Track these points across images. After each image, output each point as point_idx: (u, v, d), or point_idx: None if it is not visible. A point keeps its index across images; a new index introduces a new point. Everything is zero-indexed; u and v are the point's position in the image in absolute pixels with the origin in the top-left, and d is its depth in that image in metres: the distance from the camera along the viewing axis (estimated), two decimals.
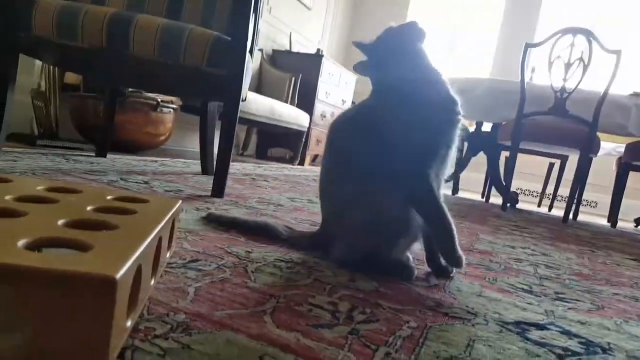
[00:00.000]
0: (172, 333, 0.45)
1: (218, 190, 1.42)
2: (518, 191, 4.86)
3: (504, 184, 2.84)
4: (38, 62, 2.30)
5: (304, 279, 0.70)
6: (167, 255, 0.63)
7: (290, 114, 3.62)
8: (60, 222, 0.46)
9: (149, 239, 0.45)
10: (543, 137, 2.62)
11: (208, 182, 1.74)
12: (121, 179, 1.46)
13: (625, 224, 3.45)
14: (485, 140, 3.20)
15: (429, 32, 0.89)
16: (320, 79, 4.13)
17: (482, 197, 3.69)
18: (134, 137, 2.57)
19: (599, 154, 2.68)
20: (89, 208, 0.54)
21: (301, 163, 4.16)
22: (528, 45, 2.60)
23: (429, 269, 0.88)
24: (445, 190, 0.86)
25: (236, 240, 0.88)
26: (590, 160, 2.73)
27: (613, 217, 3.03)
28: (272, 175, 2.56)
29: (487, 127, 3.29)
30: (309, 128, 4.06)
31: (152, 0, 1.70)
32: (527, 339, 0.59)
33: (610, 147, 3.27)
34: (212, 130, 2.09)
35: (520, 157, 2.89)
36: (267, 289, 0.63)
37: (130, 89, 2.48)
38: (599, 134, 2.56)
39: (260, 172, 2.63)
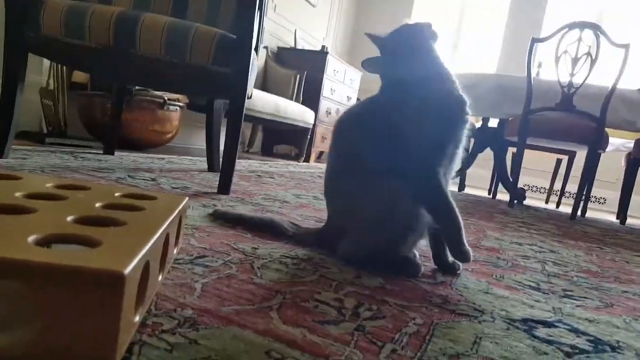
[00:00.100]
0: (179, 328, 0.45)
1: (224, 187, 1.43)
2: (525, 187, 4.84)
3: (511, 180, 2.82)
4: (46, 61, 2.32)
5: (310, 276, 0.70)
6: (175, 251, 0.64)
7: (295, 111, 3.62)
8: (69, 218, 0.46)
9: (156, 236, 0.45)
10: (550, 133, 2.60)
11: (214, 179, 1.74)
12: (129, 176, 1.47)
13: (634, 220, 3.43)
14: (491, 136, 3.18)
15: (434, 26, 0.89)
16: (325, 76, 4.13)
17: (489, 193, 3.67)
18: (141, 134, 2.59)
19: (607, 149, 2.65)
20: (97, 205, 0.54)
21: (306, 160, 4.16)
22: (535, 40, 2.58)
23: (435, 266, 0.88)
24: (451, 187, 0.86)
25: (242, 237, 0.88)
26: (599, 156, 2.71)
27: (622, 213, 3.00)
28: (278, 172, 2.57)
29: (493, 123, 3.27)
30: (314, 125, 4.06)
31: None
32: (535, 336, 0.59)
33: (619, 143, 3.24)
34: (218, 127, 2.09)
35: (528, 153, 2.88)
36: (273, 285, 0.63)
37: (137, 87, 2.49)
38: (607, 129, 2.54)
39: (266, 169, 2.64)
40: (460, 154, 0.84)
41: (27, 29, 1.41)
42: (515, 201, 2.87)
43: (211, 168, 2.07)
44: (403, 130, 0.79)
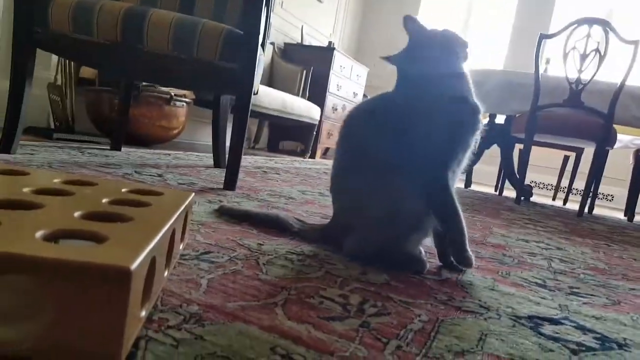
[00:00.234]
0: (185, 324, 0.46)
1: (230, 183, 1.43)
2: (532, 184, 4.82)
3: (518, 177, 2.81)
4: (54, 57, 2.33)
5: (315, 272, 0.70)
6: (181, 247, 0.64)
7: (301, 107, 3.62)
8: (77, 214, 0.47)
9: (163, 231, 0.45)
10: (558, 129, 2.58)
11: (220, 175, 1.75)
12: (135, 171, 1.48)
13: None
14: (498, 132, 3.16)
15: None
16: (331, 72, 4.12)
17: (496, 190, 3.66)
18: (148, 130, 2.60)
19: (615, 146, 2.63)
20: (104, 200, 0.55)
21: (312, 156, 4.16)
22: (543, 36, 2.56)
23: (440, 263, 0.88)
24: (458, 184, 0.85)
25: (248, 233, 0.88)
26: (607, 152, 2.69)
27: (630, 210, 2.98)
28: (284, 168, 2.57)
29: (500, 119, 3.25)
30: (320, 121, 4.06)
31: None
32: (541, 333, 0.59)
33: (627, 140, 3.20)
34: (225, 123, 2.10)
35: (535, 149, 2.86)
36: (279, 281, 0.63)
37: (144, 83, 2.50)
38: (615, 126, 2.51)
39: (272, 165, 2.64)
40: (467, 157, 0.85)
41: (35, 25, 1.42)
42: (522, 198, 2.85)
43: (217, 164, 2.08)
44: (417, 129, 0.79)
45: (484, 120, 3.28)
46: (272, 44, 4.07)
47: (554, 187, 4.26)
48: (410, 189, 0.79)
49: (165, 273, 0.52)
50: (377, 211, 0.80)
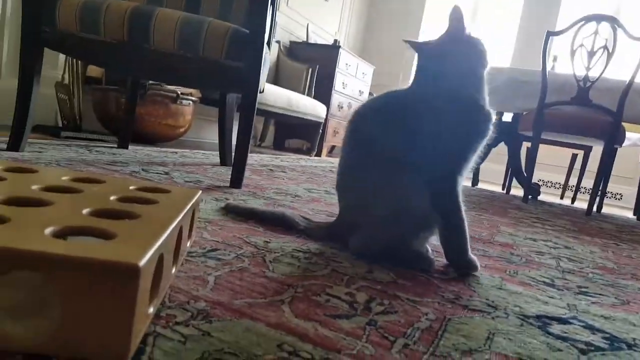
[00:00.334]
0: (192, 320, 0.46)
1: (236, 181, 1.44)
2: (540, 183, 4.79)
3: (525, 175, 2.79)
4: (62, 56, 2.34)
5: (322, 270, 0.70)
6: (188, 244, 0.64)
7: (307, 105, 3.62)
8: (85, 211, 0.47)
9: (170, 228, 0.45)
10: (565, 127, 2.56)
11: (226, 173, 1.75)
12: (143, 169, 1.49)
13: None
14: (506, 130, 3.14)
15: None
16: (337, 70, 4.11)
17: (503, 188, 3.64)
18: (155, 129, 2.61)
19: (624, 144, 2.61)
20: (112, 198, 0.55)
21: (318, 154, 4.16)
22: (550, 34, 2.54)
23: (447, 262, 0.88)
24: (465, 182, 0.85)
25: (254, 231, 0.88)
26: (615, 151, 2.67)
27: (639, 209, 2.95)
28: (290, 167, 2.57)
29: (507, 117, 3.24)
30: (326, 119, 4.05)
31: None
32: (549, 333, 0.58)
33: (636, 138, 3.17)
34: (231, 121, 2.10)
35: (542, 147, 2.84)
36: (285, 279, 0.63)
37: (150, 82, 2.51)
38: (624, 124, 2.49)
39: (278, 163, 2.64)
40: (474, 160, 0.85)
41: (43, 25, 1.43)
42: (530, 196, 2.84)
43: (223, 162, 2.08)
44: (431, 129, 0.78)
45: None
46: (278, 42, 4.07)
47: (561, 186, 4.23)
48: (417, 188, 0.79)
49: (173, 270, 0.52)
50: (383, 209, 0.80)
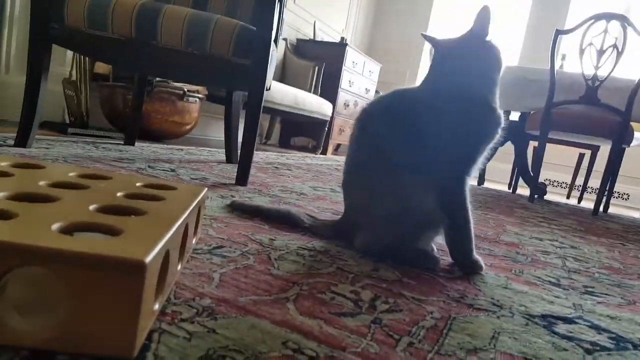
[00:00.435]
0: (197, 317, 0.46)
1: (242, 178, 1.44)
2: (546, 182, 4.76)
3: (532, 174, 2.78)
4: (69, 52, 2.35)
5: (327, 268, 0.70)
6: (194, 241, 0.65)
7: (313, 103, 3.61)
8: (92, 207, 0.47)
9: (176, 225, 0.45)
10: (573, 126, 2.55)
11: (232, 170, 1.76)
12: (149, 166, 1.49)
13: None
14: (512, 129, 3.13)
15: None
16: (344, 68, 4.10)
17: (509, 188, 3.62)
18: (161, 126, 2.61)
19: (632, 144, 2.59)
20: (119, 194, 0.55)
21: (324, 152, 4.16)
22: (559, 32, 2.52)
23: (452, 260, 0.87)
24: (471, 181, 0.85)
25: (260, 228, 0.88)
26: (623, 150, 2.65)
27: None
28: (295, 164, 2.57)
29: (514, 116, 3.22)
30: (332, 117, 4.05)
31: None
32: (554, 332, 0.58)
33: None
34: (237, 119, 2.10)
35: (549, 147, 2.82)
36: (290, 277, 0.63)
37: (157, 79, 2.52)
38: (633, 123, 2.47)
39: (283, 161, 2.65)
40: (481, 162, 0.85)
41: (51, 21, 1.44)
42: (536, 196, 2.82)
43: (229, 159, 2.09)
44: (442, 129, 0.78)
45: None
46: (285, 39, 4.07)
47: (568, 185, 4.20)
48: (424, 188, 0.78)
49: (179, 267, 0.53)
50: (389, 208, 0.80)
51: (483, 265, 0.82)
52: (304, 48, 4.24)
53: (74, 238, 0.38)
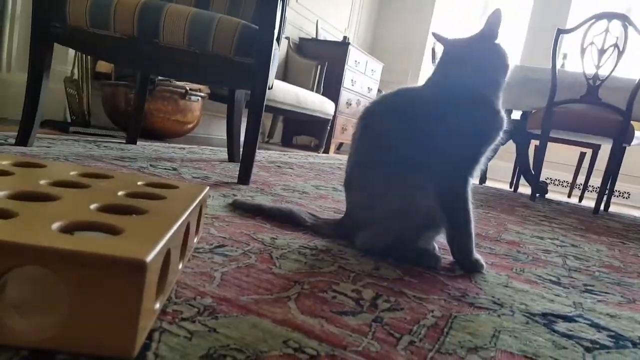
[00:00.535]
0: (199, 316, 0.46)
1: (244, 177, 1.44)
2: (548, 181, 4.75)
3: (533, 173, 2.77)
4: (71, 51, 2.36)
5: (328, 266, 0.70)
6: (195, 240, 0.65)
7: (315, 102, 3.61)
8: (93, 206, 0.47)
9: (177, 224, 0.46)
10: (574, 125, 2.54)
11: (234, 169, 1.76)
12: (151, 165, 1.49)
13: None
14: (514, 128, 3.12)
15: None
16: (346, 67, 4.10)
17: (511, 186, 3.62)
18: (163, 124, 2.62)
19: (633, 143, 2.59)
20: (120, 193, 0.55)
21: (326, 151, 4.16)
22: (560, 31, 2.52)
23: (454, 259, 0.87)
24: (472, 180, 0.85)
25: (261, 227, 0.89)
26: (624, 149, 2.64)
27: None
28: (297, 163, 2.57)
29: (516, 115, 3.21)
30: (334, 116, 4.05)
31: None
32: (554, 330, 0.58)
33: None
34: (239, 118, 2.10)
35: (550, 146, 2.82)
36: (292, 276, 0.63)
37: (159, 78, 2.52)
38: (633, 122, 2.47)
39: (286, 160, 2.65)
40: (483, 162, 0.85)
41: (53, 20, 1.44)
42: (537, 195, 2.82)
43: (231, 158, 2.09)
44: (445, 129, 0.78)
45: None
46: (287, 38, 4.06)
47: (569, 184, 4.19)
48: (425, 187, 0.78)
49: (180, 265, 0.53)
50: (390, 207, 0.80)
51: (484, 263, 0.83)
52: (307, 47, 4.23)
53: (74, 237, 0.38)
